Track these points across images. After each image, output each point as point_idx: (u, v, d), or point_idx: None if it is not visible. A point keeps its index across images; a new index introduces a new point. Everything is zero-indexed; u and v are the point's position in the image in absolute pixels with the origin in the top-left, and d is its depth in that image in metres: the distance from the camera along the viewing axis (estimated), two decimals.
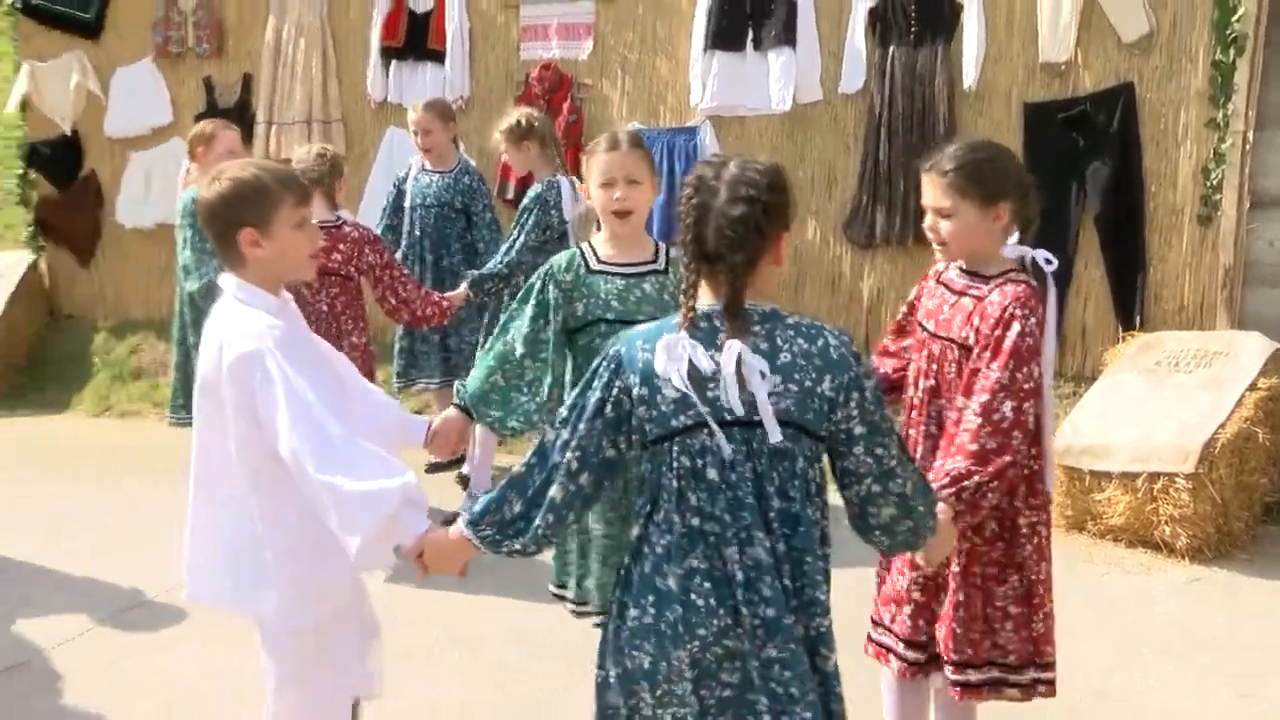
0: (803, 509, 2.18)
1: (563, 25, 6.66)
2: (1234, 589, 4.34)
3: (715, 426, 2.14)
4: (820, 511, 2.22)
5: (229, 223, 2.61)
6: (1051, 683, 2.84)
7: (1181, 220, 5.50)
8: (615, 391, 2.21)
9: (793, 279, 6.18)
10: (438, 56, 6.86)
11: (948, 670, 2.82)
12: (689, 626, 2.16)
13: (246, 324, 2.52)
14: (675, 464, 2.20)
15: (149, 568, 4.66)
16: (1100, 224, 5.61)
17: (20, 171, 8.23)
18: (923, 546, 2.38)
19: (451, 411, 3.12)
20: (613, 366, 2.22)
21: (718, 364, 2.13)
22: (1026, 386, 2.63)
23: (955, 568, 2.78)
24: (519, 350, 3.15)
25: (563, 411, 2.29)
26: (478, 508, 2.29)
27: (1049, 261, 2.78)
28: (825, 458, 2.20)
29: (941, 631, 2.79)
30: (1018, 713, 2.99)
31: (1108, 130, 5.54)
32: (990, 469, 2.58)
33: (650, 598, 2.22)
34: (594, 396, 2.22)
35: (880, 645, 2.90)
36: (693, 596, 2.17)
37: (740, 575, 2.15)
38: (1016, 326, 2.65)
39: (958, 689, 2.79)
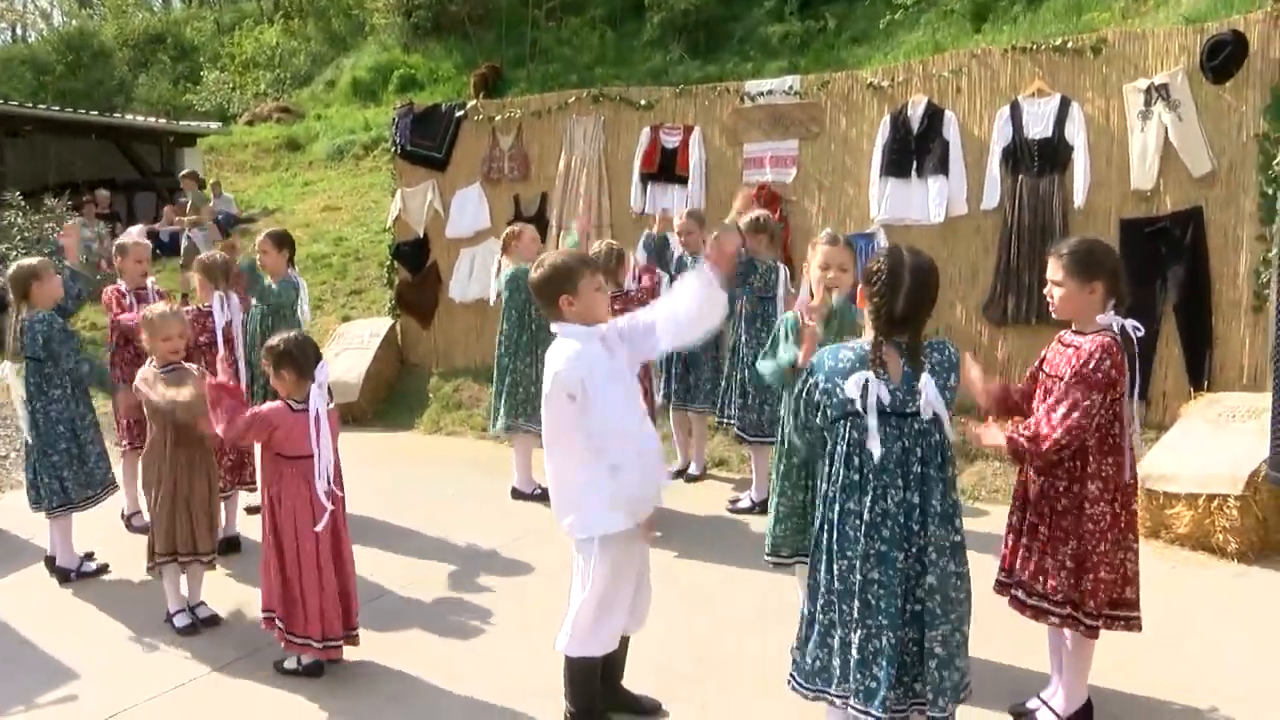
0: (936, 470, 2.69)
1: (775, 157, 7.63)
2: (1271, 584, 4.82)
3: (874, 419, 2.64)
4: (951, 473, 2.74)
5: (552, 291, 3.17)
6: (1092, 628, 3.32)
7: (1239, 310, 6.06)
8: (809, 385, 2.83)
9: None
10: (682, 179, 7.90)
11: (1014, 590, 3.43)
12: (840, 549, 2.73)
13: (568, 351, 3.16)
14: (846, 436, 2.73)
15: (471, 530, 5.84)
16: (1177, 312, 6.21)
17: (387, 263, 9.79)
18: None
19: None
20: (809, 369, 2.86)
21: (890, 389, 2.69)
22: (1085, 405, 3.14)
23: (1026, 526, 3.34)
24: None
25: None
26: None
27: (1136, 329, 3.30)
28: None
29: (1015, 564, 3.43)
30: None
31: (1183, 241, 6.13)
32: (1037, 448, 3.18)
33: (825, 528, 2.79)
34: (799, 387, 2.89)
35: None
36: (846, 529, 2.72)
37: (867, 518, 2.69)
38: (1093, 364, 3.16)
39: (1015, 604, 3.42)
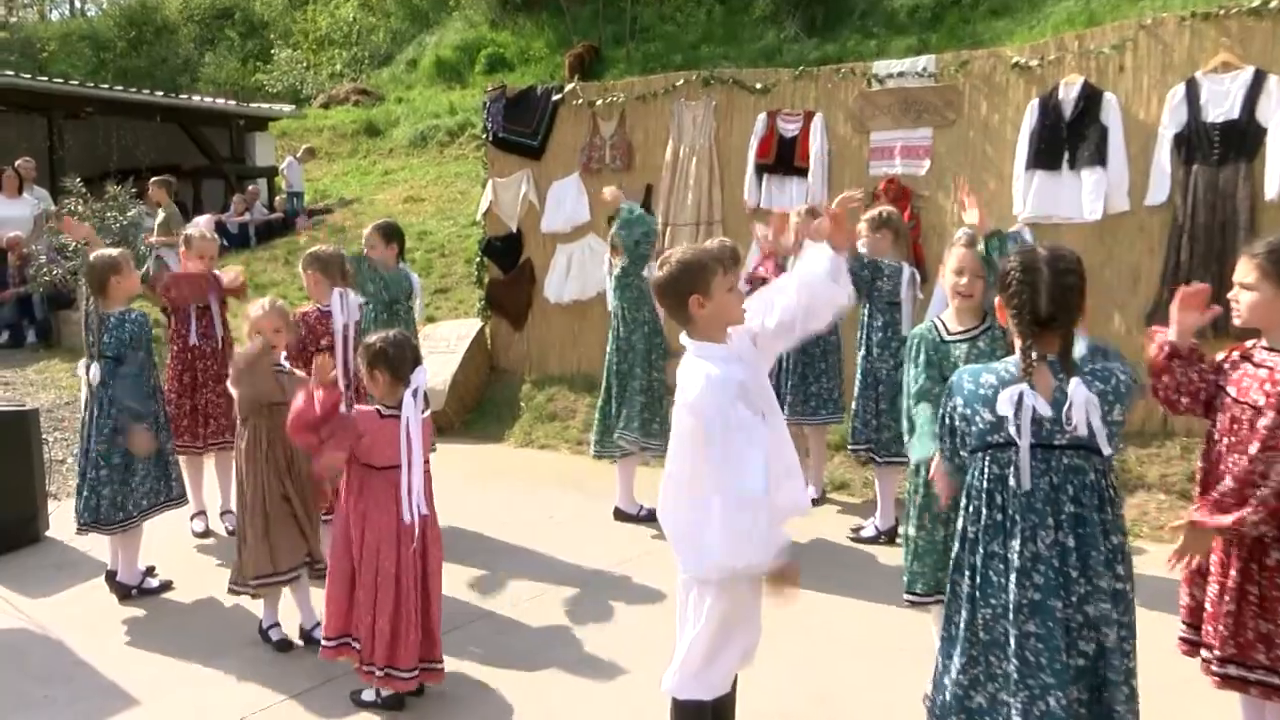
0: (1092, 513, 2.60)
1: (905, 147, 7.54)
2: None
3: (1027, 440, 2.57)
4: (1112, 514, 2.62)
5: (681, 292, 3.06)
6: None
7: None
8: (947, 409, 2.83)
9: None
10: (802, 171, 7.87)
11: (1206, 657, 3.20)
12: (984, 596, 2.69)
13: (700, 374, 3.03)
14: (986, 470, 2.68)
15: (568, 552, 5.94)
16: None
17: (476, 260, 9.99)
18: None
19: None
20: (948, 392, 2.83)
21: (1050, 405, 2.60)
22: None
23: (1230, 582, 3.14)
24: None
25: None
26: None
27: None
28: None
29: (1211, 629, 3.18)
30: None
31: None
32: (1250, 506, 2.99)
33: (966, 572, 2.74)
34: (941, 411, 2.89)
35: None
36: (990, 574, 2.67)
37: (1017, 563, 2.61)
38: None
39: (1215, 678, 3.17)
